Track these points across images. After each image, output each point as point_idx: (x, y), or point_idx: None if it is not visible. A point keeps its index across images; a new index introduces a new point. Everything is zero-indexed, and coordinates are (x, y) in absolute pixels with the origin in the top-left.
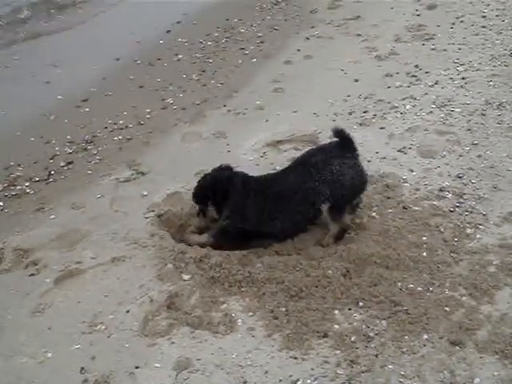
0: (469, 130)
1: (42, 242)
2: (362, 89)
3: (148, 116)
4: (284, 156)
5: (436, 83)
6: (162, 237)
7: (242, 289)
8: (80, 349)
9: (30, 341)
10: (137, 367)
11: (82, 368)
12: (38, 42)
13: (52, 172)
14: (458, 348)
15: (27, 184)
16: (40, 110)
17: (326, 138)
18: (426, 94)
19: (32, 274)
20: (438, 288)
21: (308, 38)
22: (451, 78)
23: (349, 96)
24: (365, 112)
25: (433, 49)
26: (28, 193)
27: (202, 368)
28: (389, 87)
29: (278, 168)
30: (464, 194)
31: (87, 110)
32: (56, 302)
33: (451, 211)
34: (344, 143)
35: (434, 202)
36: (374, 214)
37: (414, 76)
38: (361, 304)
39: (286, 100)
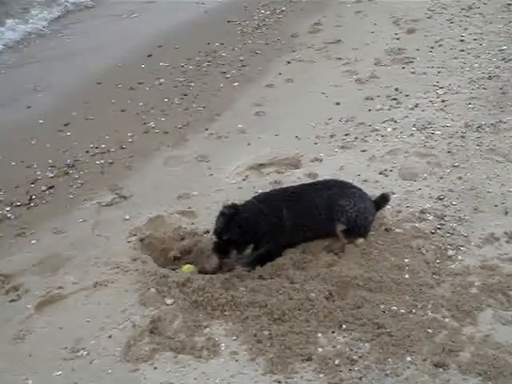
0: (449, 152)
1: (24, 267)
2: (343, 112)
3: (130, 140)
4: (266, 179)
5: (416, 106)
6: (145, 261)
7: (225, 313)
8: (61, 375)
9: (10, 368)
10: None
11: None
12: (19, 67)
13: (33, 196)
14: (441, 370)
15: (8, 209)
16: (21, 134)
17: (308, 161)
18: (407, 116)
19: (13, 300)
20: (420, 310)
21: (289, 62)
22: (431, 101)
23: (330, 119)
24: (346, 135)
25: (412, 72)
26: (9, 217)
27: None
28: (369, 110)
29: (260, 191)
30: (445, 215)
31: (69, 134)
32: (37, 328)
33: (433, 233)
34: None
35: (416, 224)
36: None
37: (394, 99)
38: (344, 327)
39: (268, 123)
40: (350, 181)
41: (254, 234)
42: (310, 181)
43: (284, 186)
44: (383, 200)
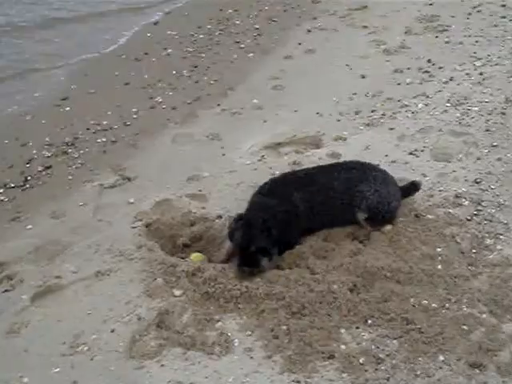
0: (487, 130)
1: (18, 255)
2: (369, 86)
3: (135, 116)
4: (284, 160)
5: (451, 79)
6: (151, 248)
7: (239, 305)
8: (60, 373)
9: (4, 364)
10: None
11: None
12: (14, 36)
13: (29, 177)
14: (477, 371)
15: (1, 191)
16: (15, 109)
17: (330, 140)
18: (440, 91)
19: (6, 290)
20: (454, 304)
21: (310, 31)
22: (467, 74)
23: (355, 94)
24: (372, 111)
25: (447, 42)
26: (2, 200)
27: None
28: (399, 84)
29: (278, 173)
30: (482, 200)
31: (67, 109)
32: (33, 321)
33: (468, 220)
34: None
35: (450, 210)
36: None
37: (426, 72)
38: (370, 322)
39: (286, 98)
40: (377, 162)
41: (274, 230)
42: (332, 162)
43: (304, 167)
44: (413, 187)
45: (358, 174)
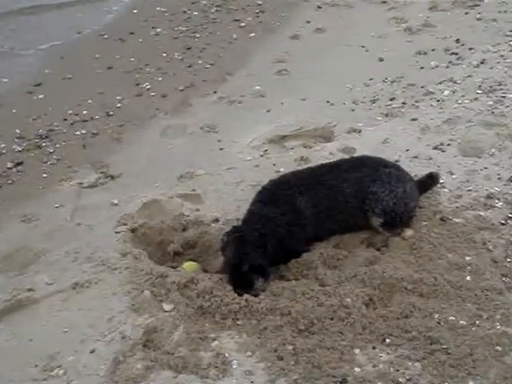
0: None
1: None
2: (388, 70)
3: (119, 105)
4: (290, 155)
5: (482, 62)
6: (137, 256)
7: (238, 322)
8: None
9: None
10: None
11: None
12: None
13: None
14: None
15: None
16: None
17: (343, 132)
18: (470, 76)
19: None
20: (486, 321)
21: (320, 7)
22: (502, 56)
23: (371, 79)
24: (392, 99)
25: (479, 19)
26: None
27: None
28: (422, 68)
29: (282, 170)
30: None
31: (41, 97)
32: (0, 341)
33: (502, 224)
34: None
35: (481, 213)
36: (403, 227)
37: (454, 53)
38: (388, 341)
39: (293, 85)
40: (396, 157)
41: (271, 246)
42: (345, 157)
43: (312, 163)
44: (430, 180)
45: (369, 172)
